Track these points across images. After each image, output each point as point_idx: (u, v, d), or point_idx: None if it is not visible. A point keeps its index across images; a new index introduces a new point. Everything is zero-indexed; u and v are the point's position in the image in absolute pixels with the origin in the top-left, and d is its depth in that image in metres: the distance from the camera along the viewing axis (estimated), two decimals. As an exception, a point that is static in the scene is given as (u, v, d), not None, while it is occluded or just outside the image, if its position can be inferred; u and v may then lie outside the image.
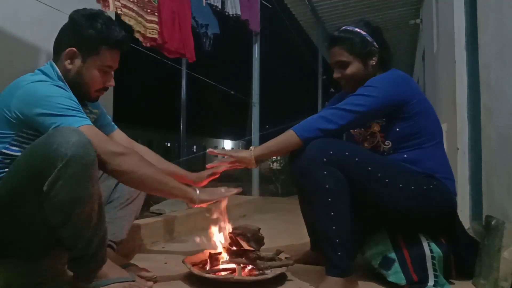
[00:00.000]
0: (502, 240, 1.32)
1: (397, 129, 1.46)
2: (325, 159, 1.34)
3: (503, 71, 1.62)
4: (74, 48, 1.31)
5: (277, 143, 1.50)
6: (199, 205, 1.42)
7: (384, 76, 1.48)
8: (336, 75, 1.57)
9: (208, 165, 1.63)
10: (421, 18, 6.10)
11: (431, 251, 1.41)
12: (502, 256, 1.29)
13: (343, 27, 1.56)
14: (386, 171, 1.38)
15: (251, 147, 1.54)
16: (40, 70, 1.31)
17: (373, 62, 1.53)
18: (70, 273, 1.29)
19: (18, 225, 1.23)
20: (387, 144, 1.49)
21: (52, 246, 1.32)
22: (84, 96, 1.38)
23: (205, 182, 1.66)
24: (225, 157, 1.59)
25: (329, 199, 1.33)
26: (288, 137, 1.46)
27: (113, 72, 1.43)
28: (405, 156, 1.46)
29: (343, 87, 1.61)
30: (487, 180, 1.84)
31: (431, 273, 1.38)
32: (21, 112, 1.20)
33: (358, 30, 1.52)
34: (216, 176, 1.67)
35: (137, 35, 2.64)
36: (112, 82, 1.42)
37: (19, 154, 1.23)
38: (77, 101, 1.27)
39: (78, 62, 1.33)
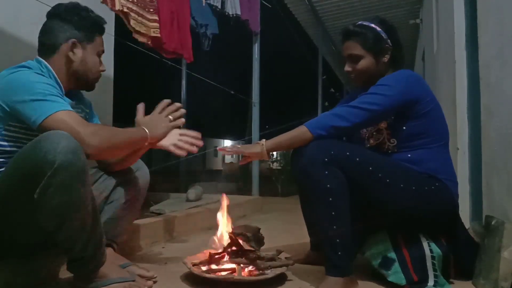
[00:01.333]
0: (502, 240, 1.32)
1: (404, 128, 1.46)
2: (326, 159, 1.34)
3: (503, 71, 1.62)
4: (75, 39, 1.37)
5: (289, 138, 1.49)
6: (152, 143, 1.39)
7: (397, 75, 1.48)
8: (347, 68, 1.58)
9: (219, 148, 1.59)
10: (421, 18, 6.09)
11: (431, 251, 1.41)
12: (502, 256, 1.29)
13: (359, 22, 1.56)
14: (387, 171, 1.38)
15: (262, 140, 1.52)
16: (21, 64, 1.31)
17: (385, 59, 1.53)
18: (70, 273, 1.29)
19: (16, 228, 1.23)
20: (393, 142, 1.49)
21: (51, 247, 1.32)
22: (87, 85, 1.45)
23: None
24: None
25: (330, 199, 1.33)
26: (301, 133, 1.46)
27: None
28: (409, 155, 1.46)
29: (352, 81, 1.62)
30: (487, 180, 1.84)
31: (431, 273, 1.38)
32: (4, 103, 1.20)
33: (374, 26, 1.53)
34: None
35: (136, 36, 2.63)
36: (103, 67, 1.48)
37: (9, 148, 1.24)
38: (58, 88, 1.29)
39: (79, 52, 1.39)
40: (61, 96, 1.25)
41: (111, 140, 1.25)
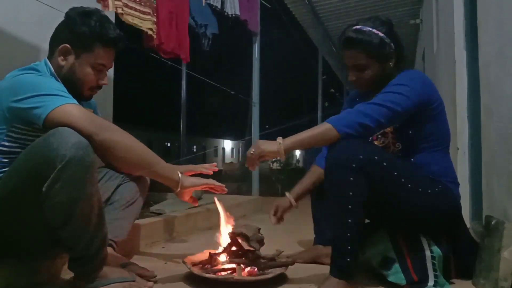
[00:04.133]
0: (502, 240, 1.32)
1: (410, 132, 1.44)
2: (353, 165, 1.29)
3: (503, 71, 1.62)
4: (67, 45, 1.32)
5: (310, 136, 1.38)
6: (180, 193, 1.38)
7: (411, 76, 1.45)
8: (351, 77, 1.51)
9: (250, 167, 1.46)
10: (421, 18, 6.09)
11: (431, 251, 1.41)
12: (502, 256, 1.29)
13: (359, 27, 1.46)
14: (408, 176, 1.36)
15: (279, 138, 1.40)
16: (30, 66, 1.31)
17: (391, 63, 1.47)
18: (70, 273, 1.29)
19: (18, 225, 1.23)
20: (398, 146, 1.47)
21: (52, 246, 1.32)
22: (77, 93, 1.35)
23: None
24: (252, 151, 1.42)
25: (349, 207, 1.29)
26: (325, 130, 1.36)
27: (108, 71, 1.43)
28: (412, 159, 1.45)
29: (358, 89, 1.58)
30: (487, 180, 1.84)
31: (431, 273, 1.38)
32: (9, 104, 1.20)
33: (376, 31, 1.44)
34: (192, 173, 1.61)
35: (150, 32, 2.65)
36: (105, 81, 1.40)
37: (13, 149, 1.24)
38: (64, 87, 1.26)
39: (71, 58, 1.33)
40: (66, 92, 1.23)
41: (122, 150, 1.24)
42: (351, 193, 1.29)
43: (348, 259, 1.29)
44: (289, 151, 1.39)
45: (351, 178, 1.29)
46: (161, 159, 1.35)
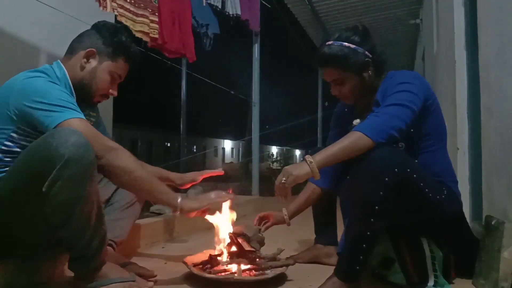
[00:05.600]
0: (502, 240, 1.32)
1: (412, 130, 1.40)
2: (387, 179, 1.23)
3: (503, 71, 1.62)
4: (94, 49, 1.38)
5: (341, 147, 1.29)
6: (184, 214, 1.34)
7: (408, 73, 1.45)
8: (334, 92, 1.51)
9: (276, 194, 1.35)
10: (421, 18, 6.10)
11: (431, 251, 1.40)
12: (502, 256, 1.29)
13: (330, 42, 1.45)
14: (431, 186, 1.36)
15: (307, 157, 1.30)
16: (40, 69, 1.32)
17: (369, 72, 1.45)
18: (70, 273, 1.29)
19: (19, 225, 1.24)
20: (401, 145, 1.44)
21: (52, 246, 1.33)
22: (88, 97, 1.41)
23: (187, 186, 1.64)
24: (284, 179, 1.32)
25: (372, 220, 1.26)
26: (356, 140, 1.28)
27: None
28: (416, 161, 1.43)
29: (344, 101, 1.58)
30: (487, 180, 1.84)
31: (431, 273, 1.38)
32: (17, 106, 1.21)
33: (347, 44, 1.42)
34: (198, 181, 1.65)
35: (138, 35, 2.64)
36: (115, 92, 1.47)
37: (17, 149, 1.25)
38: (71, 96, 1.30)
39: (94, 62, 1.39)
40: (74, 104, 1.26)
41: (123, 176, 1.25)
42: (377, 207, 1.24)
43: (358, 268, 1.28)
44: (321, 168, 1.29)
45: (381, 193, 1.24)
46: (161, 183, 1.34)
